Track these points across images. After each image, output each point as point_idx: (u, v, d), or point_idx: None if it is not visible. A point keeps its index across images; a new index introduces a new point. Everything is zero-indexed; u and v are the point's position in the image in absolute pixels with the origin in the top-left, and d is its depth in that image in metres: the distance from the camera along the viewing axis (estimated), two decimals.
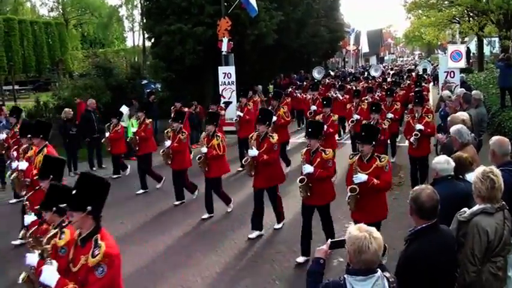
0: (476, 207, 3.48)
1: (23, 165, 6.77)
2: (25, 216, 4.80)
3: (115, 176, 11.16)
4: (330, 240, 3.07)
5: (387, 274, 2.75)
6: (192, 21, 17.35)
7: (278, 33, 19.87)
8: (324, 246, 3.03)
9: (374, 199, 5.53)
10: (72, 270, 3.14)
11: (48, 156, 5.70)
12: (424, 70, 25.79)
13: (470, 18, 23.91)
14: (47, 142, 6.74)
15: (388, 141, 10.47)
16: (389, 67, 42.29)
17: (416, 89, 12.72)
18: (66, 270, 3.17)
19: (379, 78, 22.21)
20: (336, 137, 13.27)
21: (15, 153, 7.44)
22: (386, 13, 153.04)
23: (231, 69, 16.15)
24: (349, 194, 5.44)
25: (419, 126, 8.29)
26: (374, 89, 14.16)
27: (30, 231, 4.10)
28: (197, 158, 7.97)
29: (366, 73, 28.02)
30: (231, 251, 6.76)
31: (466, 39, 30.37)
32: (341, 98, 13.51)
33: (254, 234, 7.12)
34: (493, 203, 3.42)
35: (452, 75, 14.66)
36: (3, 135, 9.44)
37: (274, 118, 10.19)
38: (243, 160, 7.21)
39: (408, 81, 17.57)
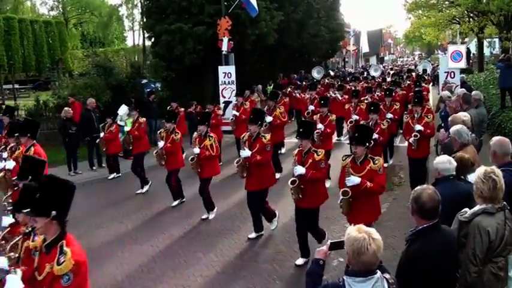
0: (477, 208, 3.47)
1: (10, 164, 6.63)
2: (3, 217, 4.64)
3: (111, 177, 11.09)
4: (329, 241, 3.05)
5: (387, 275, 2.74)
6: (192, 21, 17.36)
7: (279, 33, 19.89)
8: (324, 247, 3.01)
9: (367, 202, 5.40)
10: (38, 278, 2.99)
11: (28, 156, 5.59)
12: (424, 70, 25.78)
13: (471, 19, 23.90)
14: (34, 141, 6.61)
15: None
16: (389, 67, 42.29)
17: (416, 89, 12.65)
18: (31, 279, 3.02)
19: (379, 78, 22.21)
20: (336, 137, 13.35)
21: (5, 154, 7.25)
22: (387, 13, 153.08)
23: (231, 69, 16.14)
24: (341, 197, 5.32)
25: (418, 127, 8.17)
26: (373, 89, 14.07)
27: (3, 233, 3.91)
28: (189, 159, 7.84)
29: (365, 73, 28.00)
30: (231, 251, 6.76)
31: (466, 39, 30.37)
32: (340, 98, 13.42)
33: (254, 234, 7.11)
34: (495, 203, 3.41)
35: (452, 76, 14.67)
36: None
37: (270, 118, 10.15)
38: (235, 161, 7.07)
39: (408, 82, 17.51)
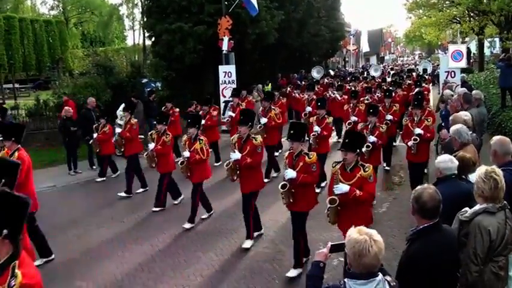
0: (477, 207, 3.47)
1: None
2: None
3: (99, 180, 10.90)
4: (330, 243, 3.01)
5: (388, 278, 2.70)
6: (192, 20, 17.38)
7: (279, 33, 19.90)
8: (324, 249, 2.99)
9: (357, 212, 5.07)
10: None
11: (1, 159, 5.49)
12: (425, 70, 25.77)
13: (471, 19, 23.88)
14: (19, 146, 6.27)
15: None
16: (390, 67, 42.27)
17: (417, 90, 12.57)
18: None
19: (379, 78, 22.12)
20: (335, 138, 13.29)
21: None
22: (387, 13, 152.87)
23: (232, 68, 16.13)
24: (328, 205, 5.08)
25: (418, 131, 7.94)
26: (373, 90, 13.88)
27: None
28: (179, 163, 7.66)
29: (365, 73, 27.92)
30: (231, 250, 6.75)
31: (467, 39, 30.37)
32: (339, 98, 13.17)
33: (254, 234, 7.11)
34: (496, 202, 3.41)
35: (453, 75, 14.67)
36: None
37: (265, 120, 9.99)
38: (225, 164, 6.82)
39: (409, 81, 17.40)
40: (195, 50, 17.15)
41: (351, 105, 11.20)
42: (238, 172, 6.70)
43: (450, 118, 6.47)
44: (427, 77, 22.01)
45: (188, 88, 18.02)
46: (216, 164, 11.11)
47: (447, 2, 24.59)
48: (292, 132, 5.74)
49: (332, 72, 28.86)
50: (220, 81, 16.23)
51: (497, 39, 27.14)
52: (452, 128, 5.43)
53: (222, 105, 15.74)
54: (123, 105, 12.57)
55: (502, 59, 13.53)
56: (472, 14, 23.82)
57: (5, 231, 2.64)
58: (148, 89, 16.76)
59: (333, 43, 31.48)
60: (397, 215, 7.82)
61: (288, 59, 25.06)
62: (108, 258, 6.67)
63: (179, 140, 10.84)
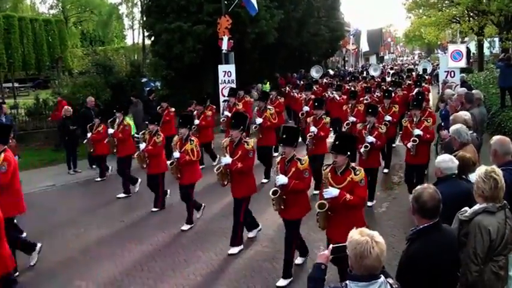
0: (477, 206, 3.47)
1: None
2: None
3: (99, 179, 10.89)
4: (331, 245, 3.00)
5: (390, 280, 2.69)
6: (191, 20, 17.39)
7: (279, 32, 19.89)
8: (326, 251, 2.98)
9: (349, 217, 4.82)
10: None
11: None
12: (424, 70, 25.74)
13: (471, 18, 23.90)
14: (5, 147, 6.05)
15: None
16: (389, 66, 42.25)
17: (417, 90, 12.52)
18: None
19: (378, 78, 22.03)
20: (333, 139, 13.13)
21: None
22: (387, 12, 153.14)
23: (231, 68, 16.12)
24: (317, 210, 4.89)
25: (417, 132, 7.74)
26: (373, 89, 13.72)
27: None
28: (169, 163, 7.58)
29: (364, 73, 27.84)
30: None
31: (466, 39, 30.39)
32: (338, 98, 12.96)
33: (253, 233, 7.08)
34: (496, 202, 3.42)
35: (452, 75, 14.67)
36: None
37: (260, 120, 9.78)
38: (215, 168, 6.63)
39: (409, 81, 17.32)
40: (194, 49, 17.15)
41: (350, 105, 11.05)
42: (229, 177, 6.51)
43: (450, 118, 6.48)
44: (426, 76, 21.97)
45: (188, 87, 18.01)
46: (214, 164, 10.98)
47: (447, 2, 24.63)
48: (284, 136, 5.57)
49: (331, 72, 28.84)
50: (220, 81, 16.22)
51: (496, 39, 27.17)
52: (452, 128, 5.44)
53: (222, 104, 15.72)
54: None
55: (501, 59, 13.55)
56: (471, 14, 23.86)
57: None
58: (148, 88, 16.76)
59: (333, 43, 31.45)
60: (397, 214, 7.83)
61: (288, 59, 25.05)
62: (107, 258, 6.67)
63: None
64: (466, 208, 3.57)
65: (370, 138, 7.76)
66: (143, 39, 33.85)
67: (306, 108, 11.54)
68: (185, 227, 7.61)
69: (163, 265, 6.36)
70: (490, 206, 3.42)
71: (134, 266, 6.38)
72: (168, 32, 17.35)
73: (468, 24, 23.31)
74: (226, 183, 6.54)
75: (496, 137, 4.56)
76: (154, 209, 8.53)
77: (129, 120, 11.86)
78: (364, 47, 48.64)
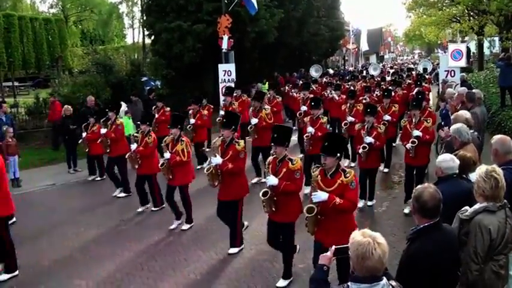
0: (478, 205, 3.47)
1: None
2: None
3: (90, 178, 10.88)
4: (333, 246, 2.98)
5: (393, 283, 2.67)
6: (191, 19, 17.39)
7: (279, 31, 19.88)
8: (328, 253, 2.97)
9: (338, 220, 4.69)
10: None
11: None
12: (425, 69, 25.71)
13: (471, 18, 23.90)
14: None
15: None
16: (389, 65, 42.21)
17: (417, 89, 12.47)
18: None
19: (378, 77, 21.97)
20: None
21: None
22: (387, 12, 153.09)
23: (231, 67, 16.10)
24: (306, 214, 4.72)
25: (416, 133, 7.54)
26: (372, 89, 13.63)
27: None
28: (160, 164, 7.51)
29: (364, 72, 27.78)
30: None
31: (466, 38, 30.37)
32: (337, 98, 12.83)
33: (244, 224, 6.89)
34: (496, 201, 3.42)
35: (452, 74, 14.66)
36: None
37: (256, 120, 9.63)
38: (205, 169, 6.48)
39: (409, 81, 17.27)
40: (194, 48, 17.15)
41: (348, 105, 10.92)
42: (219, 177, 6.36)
43: (451, 117, 6.47)
44: (427, 76, 21.95)
45: (188, 87, 18.00)
46: (197, 167, 10.64)
47: (447, 1, 24.62)
48: (275, 136, 5.41)
49: (331, 71, 28.81)
50: (220, 80, 16.20)
51: (496, 39, 27.17)
52: (453, 127, 5.44)
53: (222, 104, 15.71)
54: (124, 106, 12.59)
55: (501, 58, 13.55)
56: (471, 13, 23.85)
57: None
58: (148, 88, 16.78)
59: (333, 42, 31.44)
60: (397, 214, 7.82)
61: (288, 58, 25.05)
62: (107, 257, 6.66)
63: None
64: (467, 207, 3.56)
65: (369, 139, 7.68)
66: (143, 38, 33.89)
67: (304, 108, 11.32)
68: (185, 226, 7.61)
69: (163, 264, 6.36)
70: (490, 205, 3.42)
71: (134, 265, 6.37)
72: (168, 31, 17.35)
73: (468, 24, 23.30)
74: (216, 184, 6.38)
75: (497, 137, 4.56)
76: (154, 209, 8.52)
77: (128, 120, 11.88)
78: (364, 46, 48.58)
